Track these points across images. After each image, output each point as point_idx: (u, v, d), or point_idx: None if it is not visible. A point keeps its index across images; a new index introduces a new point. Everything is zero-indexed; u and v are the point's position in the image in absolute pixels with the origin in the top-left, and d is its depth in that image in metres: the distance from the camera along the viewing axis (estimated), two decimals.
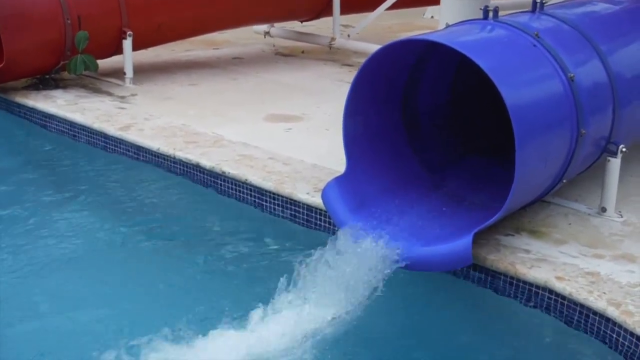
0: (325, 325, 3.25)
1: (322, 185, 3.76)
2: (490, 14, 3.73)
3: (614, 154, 3.78)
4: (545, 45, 3.54)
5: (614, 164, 3.78)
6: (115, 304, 3.62)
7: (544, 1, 4.05)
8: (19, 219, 4.43)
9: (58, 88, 6.25)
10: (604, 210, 3.82)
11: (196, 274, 3.91)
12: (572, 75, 3.49)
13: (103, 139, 5.22)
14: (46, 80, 6.31)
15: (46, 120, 5.73)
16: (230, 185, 4.40)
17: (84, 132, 5.39)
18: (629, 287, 3.12)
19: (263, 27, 8.07)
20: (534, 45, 3.52)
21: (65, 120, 5.55)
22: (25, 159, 5.52)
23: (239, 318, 3.34)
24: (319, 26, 8.40)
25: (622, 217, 3.81)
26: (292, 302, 3.34)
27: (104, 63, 6.48)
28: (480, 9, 3.80)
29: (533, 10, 3.96)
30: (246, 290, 3.70)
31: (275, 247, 4.13)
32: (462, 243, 3.21)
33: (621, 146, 3.76)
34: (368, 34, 7.99)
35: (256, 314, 3.32)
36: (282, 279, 3.39)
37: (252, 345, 3.18)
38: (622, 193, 3.89)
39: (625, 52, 4.12)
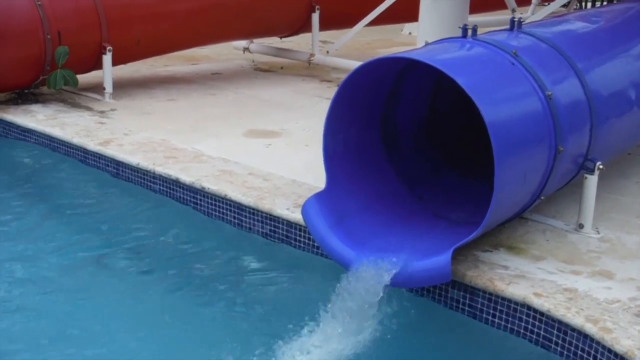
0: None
1: (301, 201, 3.76)
2: (469, 32, 3.76)
3: (591, 171, 3.81)
4: (523, 63, 3.57)
5: (591, 181, 3.82)
6: (84, 324, 3.53)
7: (522, 19, 4.09)
8: None
9: (37, 103, 6.24)
10: (581, 226, 3.84)
11: (182, 300, 3.78)
12: (549, 93, 3.51)
13: (82, 154, 5.21)
14: (25, 94, 6.30)
15: (25, 134, 5.70)
16: (209, 201, 4.40)
17: (63, 147, 5.37)
18: (607, 304, 3.14)
19: (242, 43, 8.11)
20: (512, 64, 3.55)
21: (44, 134, 5.54)
22: (2, 175, 5.45)
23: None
24: (298, 42, 8.45)
25: (599, 233, 3.84)
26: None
27: (83, 78, 6.47)
28: (459, 27, 3.83)
29: (511, 29, 3.99)
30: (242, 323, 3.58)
31: (257, 265, 4.06)
32: (441, 259, 3.22)
33: (598, 163, 3.80)
34: (347, 50, 8.04)
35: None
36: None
37: None
38: (599, 210, 3.93)
39: (602, 70, 4.15)
